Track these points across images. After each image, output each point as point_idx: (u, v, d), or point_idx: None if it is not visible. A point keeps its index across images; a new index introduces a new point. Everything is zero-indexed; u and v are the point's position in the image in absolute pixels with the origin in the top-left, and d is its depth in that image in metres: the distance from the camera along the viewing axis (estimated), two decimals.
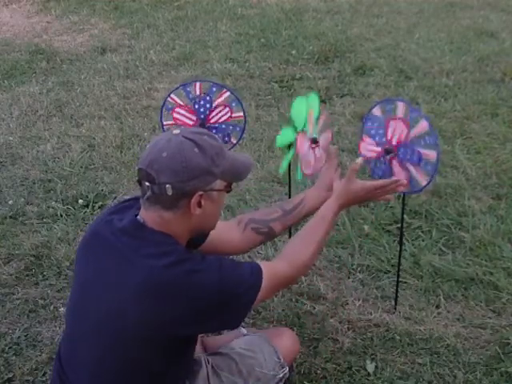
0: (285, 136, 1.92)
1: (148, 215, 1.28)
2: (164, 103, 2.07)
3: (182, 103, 2.04)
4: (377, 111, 1.79)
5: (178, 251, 1.26)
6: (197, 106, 2.03)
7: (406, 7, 6.03)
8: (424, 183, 1.70)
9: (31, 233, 2.61)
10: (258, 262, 1.40)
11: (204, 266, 1.25)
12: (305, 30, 5.38)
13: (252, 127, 3.45)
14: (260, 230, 1.67)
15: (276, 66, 4.54)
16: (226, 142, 2.08)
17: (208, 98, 2.02)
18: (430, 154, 1.66)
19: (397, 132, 1.71)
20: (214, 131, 2.04)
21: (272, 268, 1.42)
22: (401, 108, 1.71)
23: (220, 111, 2.03)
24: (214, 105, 2.02)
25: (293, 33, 5.28)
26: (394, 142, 1.73)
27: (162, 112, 2.11)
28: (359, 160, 1.66)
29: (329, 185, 1.70)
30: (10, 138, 3.54)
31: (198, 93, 2.03)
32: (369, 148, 1.77)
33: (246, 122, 2.08)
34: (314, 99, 1.89)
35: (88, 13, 6.35)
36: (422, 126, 1.66)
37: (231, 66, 4.55)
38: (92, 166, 3.19)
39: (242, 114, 2.04)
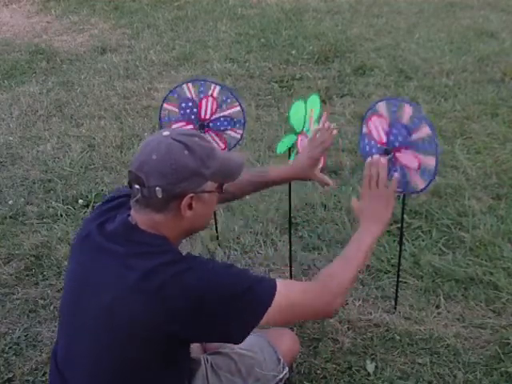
0: (286, 142, 1.92)
1: (139, 217, 1.27)
2: (160, 110, 2.09)
3: (189, 96, 2.07)
4: (365, 129, 1.80)
5: (172, 252, 1.25)
6: (184, 112, 2.05)
7: (406, 7, 6.03)
8: (421, 187, 1.69)
9: (31, 233, 2.61)
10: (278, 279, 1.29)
11: (204, 267, 1.24)
12: (305, 29, 5.38)
13: (252, 127, 3.45)
14: (226, 198, 1.67)
15: (276, 65, 4.54)
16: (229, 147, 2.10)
17: (190, 99, 2.04)
18: (429, 161, 1.65)
19: (380, 128, 1.72)
20: (218, 124, 2.06)
21: (294, 284, 1.37)
22: (407, 111, 1.69)
23: (206, 104, 2.04)
24: (220, 113, 2.04)
25: (293, 33, 5.29)
26: (384, 140, 1.73)
27: (161, 113, 2.12)
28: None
29: (300, 164, 1.75)
30: (10, 138, 3.54)
31: (188, 95, 2.05)
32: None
33: (245, 122, 2.09)
34: (314, 100, 1.89)
35: (88, 13, 6.35)
36: (424, 131, 1.64)
37: (231, 66, 4.55)
38: (92, 166, 3.19)
39: (237, 105, 2.05)
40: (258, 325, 1.23)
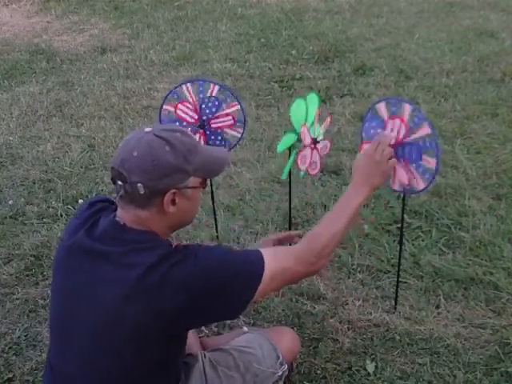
0: (286, 142, 1.92)
1: (125, 215, 1.27)
2: (170, 92, 2.09)
3: (188, 97, 2.05)
4: (380, 108, 1.77)
5: (162, 247, 1.25)
6: (203, 106, 2.04)
7: (406, 7, 6.03)
8: (421, 187, 1.70)
9: (31, 233, 2.61)
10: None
11: (191, 256, 1.24)
12: (305, 29, 5.38)
13: (252, 127, 3.45)
14: None
15: (276, 66, 4.54)
16: (225, 146, 2.10)
17: (217, 102, 2.04)
18: (430, 161, 1.66)
19: (395, 131, 1.71)
20: (212, 137, 2.07)
21: (282, 251, 1.38)
22: (406, 110, 1.70)
23: (224, 120, 2.05)
24: (220, 112, 2.05)
25: (293, 33, 5.28)
26: (392, 141, 1.72)
27: (161, 112, 2.12)
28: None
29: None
30: (10, 138, 3.54)
31: (209, 94, 2.05)
32: None
33: (245, 122, 2.09)
34: (313, 99, 1.89)
35: (88, 13, 6.35)
36: (424, 129, 1.65)
37: (231, 66, 4.55)
38: (92, 166, 3.19)
39: (236, 104, 2.06)
40: (252, 300, 1.28)
